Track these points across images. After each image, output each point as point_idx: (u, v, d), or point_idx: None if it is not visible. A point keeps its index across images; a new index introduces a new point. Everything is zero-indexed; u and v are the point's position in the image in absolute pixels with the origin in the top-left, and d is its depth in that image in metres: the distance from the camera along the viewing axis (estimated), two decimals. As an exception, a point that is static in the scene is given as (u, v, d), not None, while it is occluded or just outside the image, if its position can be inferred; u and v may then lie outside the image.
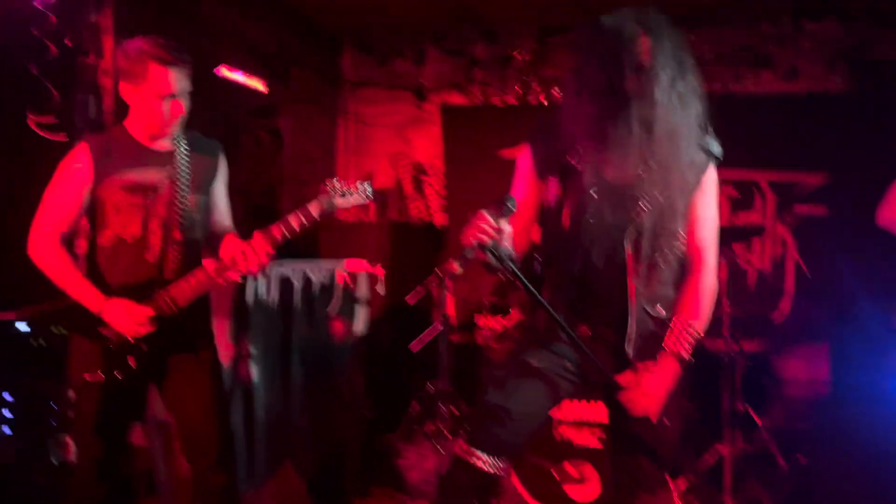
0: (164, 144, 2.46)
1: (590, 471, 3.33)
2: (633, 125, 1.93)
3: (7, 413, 3.64)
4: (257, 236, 2.35)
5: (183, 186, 2.43)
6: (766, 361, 4.68)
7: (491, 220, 1.90)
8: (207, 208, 2.56)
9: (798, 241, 4.72)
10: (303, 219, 2.35)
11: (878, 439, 3.01)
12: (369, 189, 2.38)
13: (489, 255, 1.91)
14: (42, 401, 3.55)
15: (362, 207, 5.86)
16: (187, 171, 2.45)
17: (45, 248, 2.36)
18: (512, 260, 1.97)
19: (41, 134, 3.24)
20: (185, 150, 2.47)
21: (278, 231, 2.34)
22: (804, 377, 4.64)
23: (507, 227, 1.93)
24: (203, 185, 2.51)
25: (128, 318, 2.31)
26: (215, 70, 4.44)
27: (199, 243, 2.52)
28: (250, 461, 3.32)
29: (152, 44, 2.32)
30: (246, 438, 3.32)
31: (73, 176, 2.38)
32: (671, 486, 3.29)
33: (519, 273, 1.97)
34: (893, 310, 3.72)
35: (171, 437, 3.20)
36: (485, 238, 1.88)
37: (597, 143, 2.02)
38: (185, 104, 2.39)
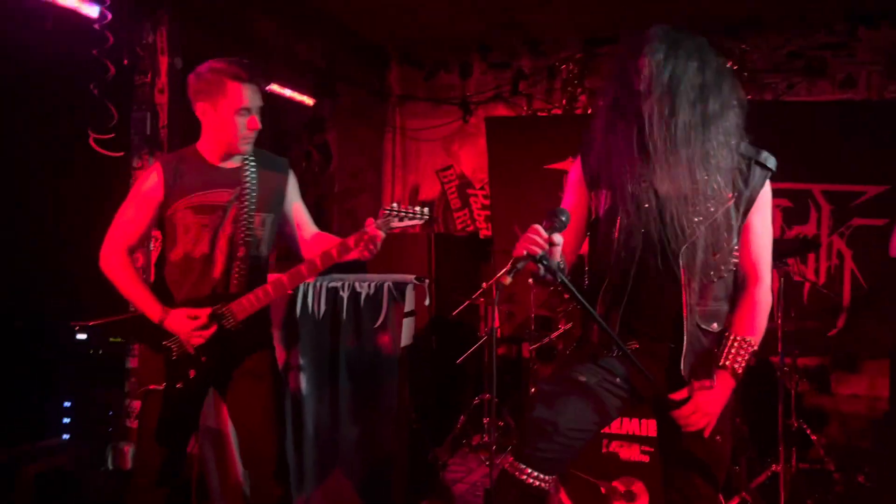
0: (233, 163, 2.51)
1: (638, 486, 3.27)
2: (671, 137, 1.93)
3: (66, 419, 3.77)
4: (316, 257, 2.41)
5: (250, 204, 2.48)
6: (823, 376, 4.55)
7: (543, 232, 1.90)
8: (274, 226, 2.60)
9: (854, 253, 4.58)
10: (359, 239, 2.37)
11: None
12: (427, 211, 2.40)
13: (540, 266, 1.91)
14: (99, 409, 3.67)
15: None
16: (255, 188, 2.50)
17: (115, 261, 2.45)
18: (562, 272, 1.96)
19: (101, 151, 3.36)
20: (253, 167, 2.52)
21: (335, 250, 2.39)
22: (862, 393, 4.50)
23: (559, 239, 1.92)
24: (270, 202, 2.56)
25: (187, 324, 2.37)
26: (267, 88, 4.54)
27: (262, 259, 2.57)
28: (299, 471, 3.36)
29: (228, 62, 2.41)
30: (295, 449, 3.35)
31: (146, 194, 2.46)
32: (721, 502, 3.23)
33: (570, 285, 1.96)
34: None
35: (224, 446, 3.27)
36: (536, 249, 1.88)
37: (635, 160, 2.02)
38: (259, 119, 2.45)
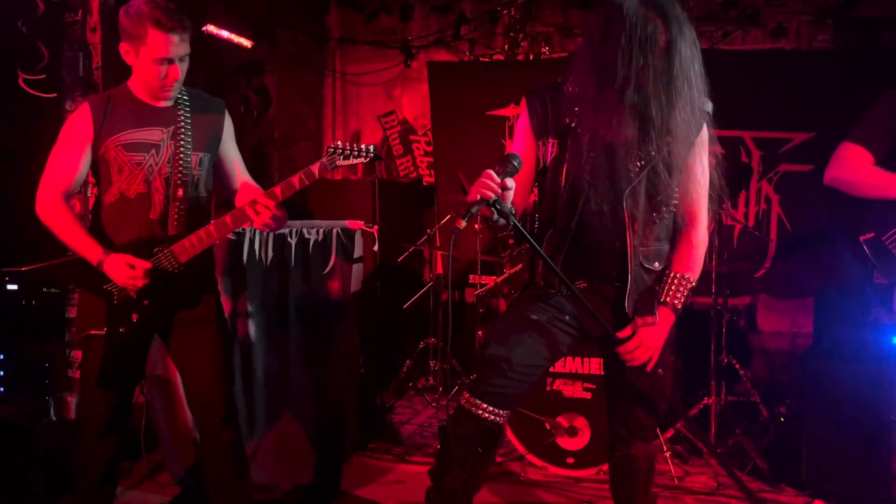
0: (166, 102, 2.46)
1: (581, 422, 3.43)
2: (629, 85, 1.98)
3: (0, 373, 3.67)
4: (261, 197, 2.38)
5: (185, 144, 2.44)
6: (751, 315, 4.80)
7: (496, 176, 1.94)
8: (211, 166, 2.57)
9: (781, 197, 4.80)
10: (304, 178, 2.37)
11: (857, 390, 3.12)
12: (372, 149, 2.40)
13: (493, 211, 1.95)
14: (36, 361, 3.58)
15: (350, 167, 5.87)
16: (189, 129, 2.46)
17: (51, 206, 2.38)
18: (513, 216, 2.01)
19: (31, 92, 3.20)
20: (187, 108, 2.48)
21: (279, 190, 2.37)
22: (786, 330, 4.78)
23: (511, 183, 1.97)
24: (206, 143, 2.52)
25: (126, 271, 2.33)
26: (203, 28, 4.38)
27: (202, 201, 2.53)
28: (249, 418, 3.38)
29: (153, 7, 2.30)
30: (245, 396, 3.37)
31: (75, 135, 2.40)
32: (659, 434, 3.42)
33: (521, 227, 2.01)
34: (875, 264, 3.83)
35: (172, 394, 3.26)
36: (490, 194, 1.92)
37: (594, 105, 2.06)
38: (182, 68, 2.39)
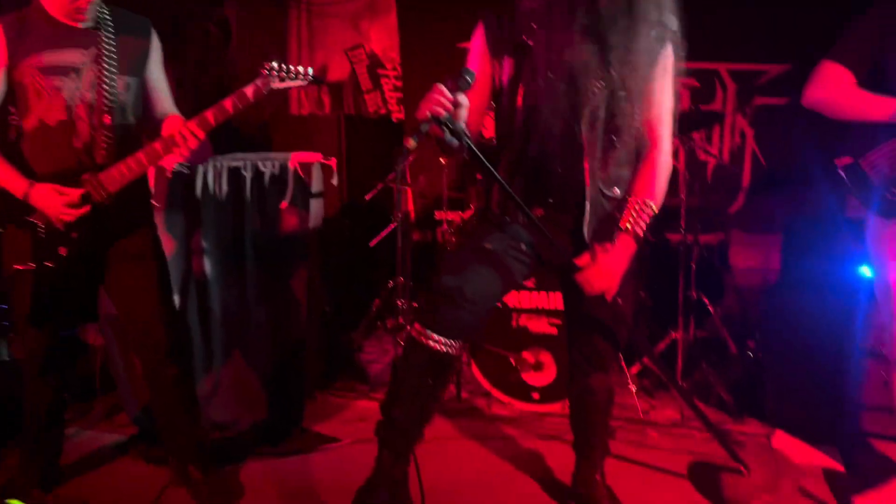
0: (86, 23, 2.30)
1: (546, 357, 3.39)
2: (567, 9, 1.87)
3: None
4: (190, 122, 2.26)
5: (109, 67, 2.29)
6: (722, 251, 4.76)
7: (447, 92, 1.83)
8: (140, 91, 2.42)
9: (756, 132, 4.71)
10: (237, 101, 2.25)
11: (825, 325, 3.09)
12: (310, 71, 2.28)
13: (445, 129, 1.85)
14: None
15: (317, 102, 5.70)
16: (113, 50, 2.30)
17: None
18: (467, 136, 1.90)
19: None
20: (110, 28, 2.32)
21: (211, 115, 2.25)
22: (757, 266, 4.75)
23: (464, 100, 1.86)
24: (133, 66, 2.37)
25: (54, 202, 2.22)
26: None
27: (130, 128, 2.39)
28: (208, 356, 3.30)
29: None
30: (202, 334, 3.29)
31: None
32: (625, 368, 3.39)
33: (474, 148, 1.91)
34: (851, 189, 3.77)
35: (125, 333, 3.17)
36: (440, 111, 1.82)
37: (550, 20, 1.95)
38: None
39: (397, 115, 5.53)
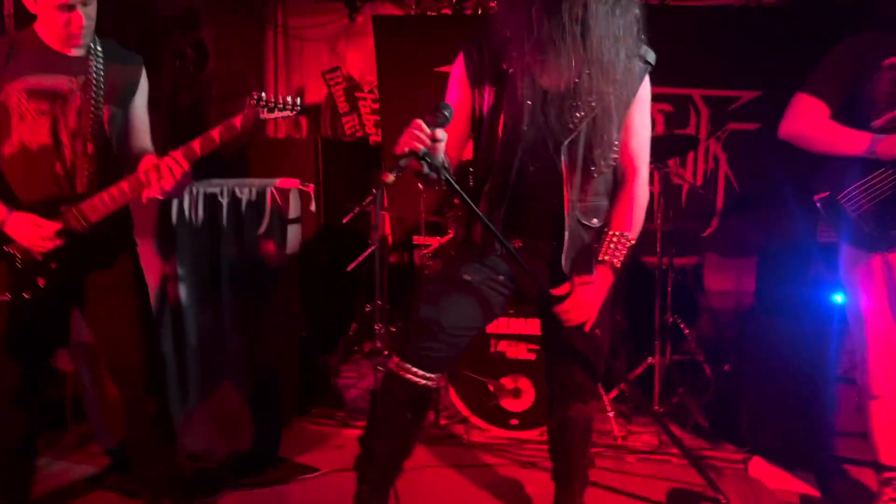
0: (77, 52, 2.29)
1: (524, 383, 3.39)
2: (565, 28, 1.88)
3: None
4: (175, 152, 2.24)
5: (96, 96, 2.27)
6: (697, 275, 4.81)
7: (426, 127, 1.83)
8: (124, 123, 2.40)
9: (729, 156, 4.78)
10: (224, 132, 2.23)
11: (800, 347, 3.13)
12: (298, 102, 2.28)
13: (423, 164, 1.85)
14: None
15: (293, 124, 5.69)
16: (102, 80, 2.29)
17: None
18: (446, 169, 1.91)
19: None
20: (100, 58, 2.31)
21: (198, 145, 2.23)
22: (731, 289, 4.80)
23: (442, 135, 1.87)
24: (119, 97, 2.36)
25: (32, 233, 2.18)
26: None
27: (113, 158, 2.37)
28: (182, 385, 3.26)
29: None
30: (177, 362, 3.24)
31: None
32: (602, 394, 3.40)
33: (453, 182, 1.92)
34: (819, 222, 3.84)
35: (98, 361, 3.11)
36: (418, 146, 1.82)
37: (530, 47, 1.96)
38: (87, 14, 2.22)
39: (374, 137, 5.54)
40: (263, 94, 2.27)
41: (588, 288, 2.06)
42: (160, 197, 2.34)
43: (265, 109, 2.27)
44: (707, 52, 4.64)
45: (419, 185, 4.01)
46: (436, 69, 5.12)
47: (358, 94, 5.58)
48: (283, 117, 2.32)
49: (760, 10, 4.85)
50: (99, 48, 2.33)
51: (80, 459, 3.17)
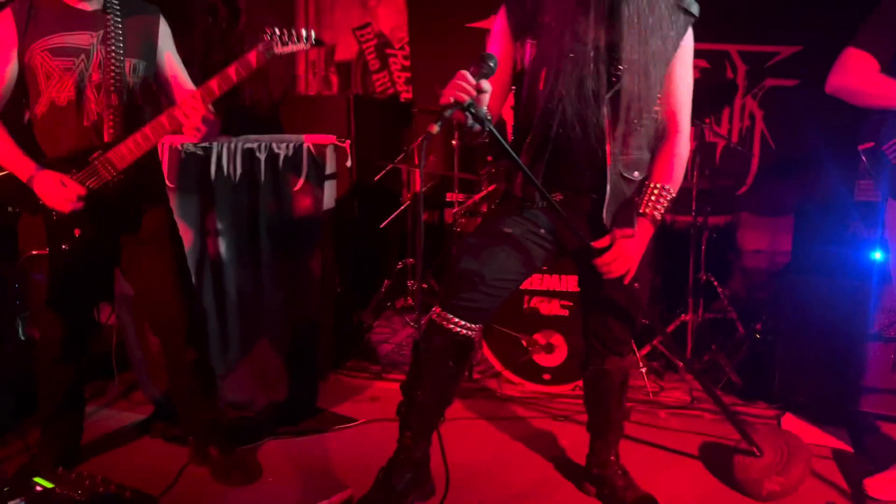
0: (93, 5, 2.31)
1: (557, 339, 3.42)
2: None
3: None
4: (195, 92, 2.26)
5: (117, 49, 2.30)
6: (731, 234, 4.78)
7: (471, 78, 1.83)
8: (147, 73, 2.43)
9: (765, 113, 4.70)
10: (241, 69, 2.24)
11: (836, 305, 3.11)
12: (312, 35, 2.27)
13: (467, 115, 1.86)
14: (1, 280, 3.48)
15: (324, 81, 5.68)
16: (121, 33, 2.31)
17: None
18: (489, 122, 1.91)
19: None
20: (118, 10, 2.33)
21: (216, 83, 2.24)
22: (765, 248, 4.77)
23: (487, 86, 1.87)
24: (141, 48, 2.38)
25: (57, 192, 2.23)
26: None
27: (137, 108, 2.40)
28: (223, 337, 3.33)
29: None
30: (218, 315, 3.31)
31: None
32: (635, 350, 3.42)
33: (497, 133, 1.92)
34: (856, 181, 3.79)
35: (140, 313, 3.19)
36: (464, 96, 1.82)
37: (572, 2, 1.95)
38: None
39: (405, 94, 5.52)
40: (276, 29, 2.27)
41: (629, 241, 2.07)
42: (192, 140, 2.36)
43: (279, 44, 2.26)
44: (745, 6, 4.54)
45: (456, 139, 4.05)
46: (468, 25, 5.07)
47: (389, 51, 5.54)
48: (296, 50, 2.30)
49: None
50: (115, 1, 2.35)
51: (126, 407, 3.28)
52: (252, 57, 2.23)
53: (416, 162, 4.30)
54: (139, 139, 2.29)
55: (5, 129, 2.27)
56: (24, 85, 2.34)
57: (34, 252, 2.33)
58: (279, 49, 2.25)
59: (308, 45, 2.28)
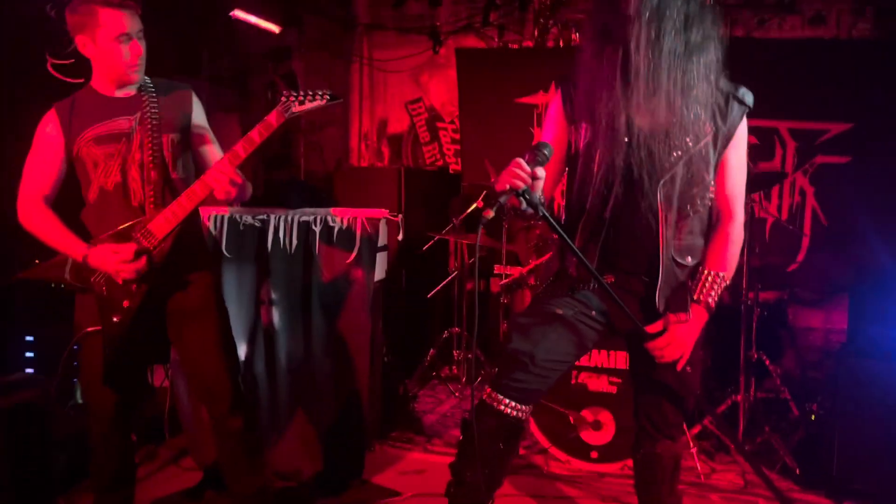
0: (129, 91, 2.46)
1: (605, 416, 3.38)
2: (662, 69, 1.93)
3: (29, 354, 3.71)
4: (221, 158, 2.36)
5: (154, 126, 2.43)
6: (782, 311, 4.70)
7: (526, 166, 1.89)
8: (183, 146, 2.54)
9: (816, 190, 4.68)
10: (262, 131, 2.33)
11: (891, 390, 3.03)
12: (329, 92, 2.35)
13: (522, 200, 1.90)
14: (62, 343, 3.61)
15: (376, 153, 5.86)
16: (156, 111, 2.45)
17: (31, 212, 2.40)
18: (543, 206, 1.96)
19: (59, 77, 3.22)
20: (152, 91, 2.48)
21: (241, 147, 2.33)
22: (818, 326, 4.67)
23: (541, 173, 1.92)
24: (175, 123, 2.50)
25: (112, 259, 2.32)
26: (230, 13, 4.36)
27: (175, 180, 2.50)
28: (273, 405, 3.37)
29: None
30: (269, 383, 3.36)
31: (46, 140, 2.41)
32: (685, 430, 3.35)
33: (550, 219, 1.96)
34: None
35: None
36: (519, 183, 1.87)
37: (627, 88, 2.01)
38: (142, 44, 2.39)
39: (454, 166, 5.65)
40: (294, 91, 2.36)
41: (683, 326, 2.07)
42: (224, 203, 2.45)
43: (297, 103, 2.34)
44: (794, 84, 4.57)
45: (505, 219, 4.10)
46: (516, 100, 5.21)
47: (439, 125, 5.70)
48: (314, 107, 2.35)
49: (852, 43, 4.76)
50: (150, 84, 2.50)
51: (176, 473, 3.32)
52: (272, 118, 2.33)
53: (471, 240, 4.35)
54: (176, 208, 2.39)
55: (57, 216, 2.41)
56: (75, 176, 2.48)
57: (89, 329, 2.43)
58: (297, 108, 2.33)
59: (324, 101, 2.36)
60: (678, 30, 1.95)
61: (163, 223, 2.39)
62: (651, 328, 2.09)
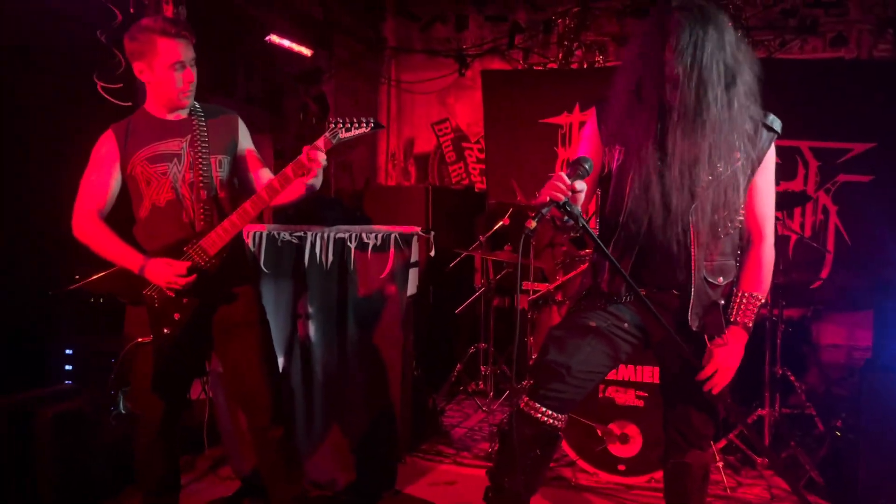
0: (180, 115, 2.61)
1: (633, 429, 3.44)
2: (697, 96, 2.02)
3: (68, 367, 3.83)
4: (273, 179, 2.50)
5: (203, 148, 2.57)
6: (806, 327, 4.74)
7: (567, 179, 1.98)
8: (231, 167, 2.67)
9: (839, 208, 4.73)
10: (297, 168, 2.46)
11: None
12: (372, 120, 2.48)
13: (563, 212, 1.99)
14: (102, 356, 3.73)
15: (403, 172, 5.99)
16: (205, 134, 2.60)
17: (86, 225, 2.53)
18: (583, 219, 2.04)
19: (109, 100, 3.37)
20: (201, 115, 2.63)
21: (290, 170, 2.47)
22: (842, 343, 4.70)
23: (581, 186, 2.00)
24: (223, 145, 2.64)
25: (167, 272, 2.45)
26: (266, 38, 4.52)
27: (224, 199, 2.63)
28: (309, 417, 3.47)
29: (156, 20, 2.50)
30: (305, 395, 3.46)
31: (103, 157, 2.56)
32: (712, 443, 3.40)
33: (589, 230, 2.05)
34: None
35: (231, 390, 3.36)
36: (560, 196, 1.96)
37: (661, 112, 2.10)
38: (194, 72, 2.54)
39: (479, 185, 5.76)
40: (340, 119, 2.49)
41: (725, 350, 2.16)
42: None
43: (343, 129, 2.47)
44: (816, 104, 4.65)
45: (554, 230, 4.18)
46: (541, 121, 5.32)
47: (465, 145, 5.83)
48: (359, 134, 2.49)
49: (874, 63, 4.83)
50: (199, 109, 2.65)
51: (213, 482, 3.43)
52: (320, 143, 2.46)
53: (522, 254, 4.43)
54: (227, 226, 2.53)
55: (110, 230, 2.54)
56: (128, 193, 2.62)
57: (140, 339, 2.55)
58: (344, 135, 2.48)
59: (368, 129, 2.50)
60: (720, 85, 2.03)
61: (215, 240, 2.52)
62: (702, 374, 2.17)
